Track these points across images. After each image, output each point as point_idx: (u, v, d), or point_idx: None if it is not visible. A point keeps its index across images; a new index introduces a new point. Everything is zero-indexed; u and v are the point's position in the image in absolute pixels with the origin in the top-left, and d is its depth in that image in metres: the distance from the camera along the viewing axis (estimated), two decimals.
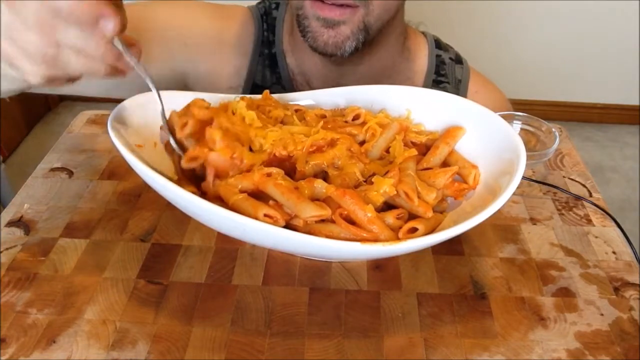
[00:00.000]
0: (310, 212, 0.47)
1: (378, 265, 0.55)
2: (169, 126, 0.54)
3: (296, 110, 0.60)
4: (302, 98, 0.63)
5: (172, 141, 0.53)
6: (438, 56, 0.82)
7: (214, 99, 0.62)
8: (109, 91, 0.70)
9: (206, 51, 0.76)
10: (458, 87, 0.82)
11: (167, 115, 0.55)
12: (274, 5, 0.80)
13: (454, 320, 0.50)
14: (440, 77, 0.81)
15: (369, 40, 0.68)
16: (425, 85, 0.81)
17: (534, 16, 2.00)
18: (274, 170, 0.50)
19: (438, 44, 0.83)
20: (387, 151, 0.57)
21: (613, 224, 0.61)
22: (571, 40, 2.04)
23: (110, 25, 0.42)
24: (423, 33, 0.84)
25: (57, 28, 0.41)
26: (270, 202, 0.49)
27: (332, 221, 0.49)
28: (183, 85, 0.77)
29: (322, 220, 0.48)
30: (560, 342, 0.48)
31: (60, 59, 0.43)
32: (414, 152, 0.55)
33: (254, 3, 0.82)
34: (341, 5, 0.64)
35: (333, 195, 0.49)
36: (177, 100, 0.61)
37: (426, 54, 0.82)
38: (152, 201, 0.62)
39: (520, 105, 0.80)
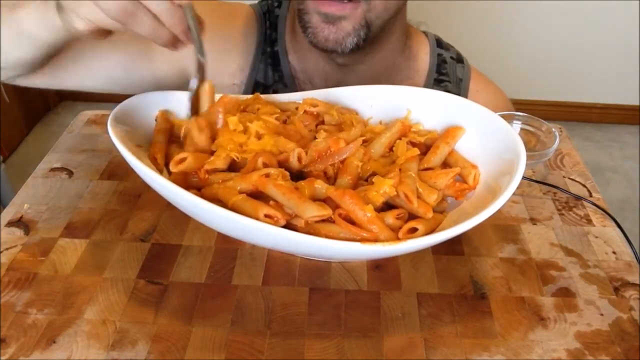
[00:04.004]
0: (312, 212, 0.47)
1: (378, 265, 0.55)
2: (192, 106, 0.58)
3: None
4: (303, 98, 0.63)
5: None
6: (439, 55, 0.82)
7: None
8: (115, 84, 0.71)
9: (210, 49, 0.76)
10: (459, 86, 0.82)
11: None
12: (276, 4, 0.80)
13: (454, 320, 0.50)
14: (442, 76, 0.82)
15: (371, 37, 0.68)
16: (426, 84, 0.81)
17: (534, 16, 2.00)
18: (272, 170, 0.50)
19: (439, 43, 0.83)
20: (391, 149, 0.57)
21: (613, 224, 0.61)
22: (571, 41, 2.04)
23: None
24: (424, 32, 0.85)
25: None
26: (271, 202, 0.49)
27: (332, 221, 0.49)
28: (186, 82, 0.77)
29: (322, 220, 0.48)
30: (560, 342, 0.48)
31: (134, 17, 0.46)
32: (416, 151, 0.55)
33: (256, 1, 0.82)
34: (342, 1, 0.64)
35: (333, 195, 0.49)
36: (179, 100, 0.61)
37: (427, 53, 0.82)
38: (152, 201, 0.62)
39: (520, 105, 0.80)
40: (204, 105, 0.58)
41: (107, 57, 0.68)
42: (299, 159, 0.53)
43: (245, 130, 0.55)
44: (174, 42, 0.50)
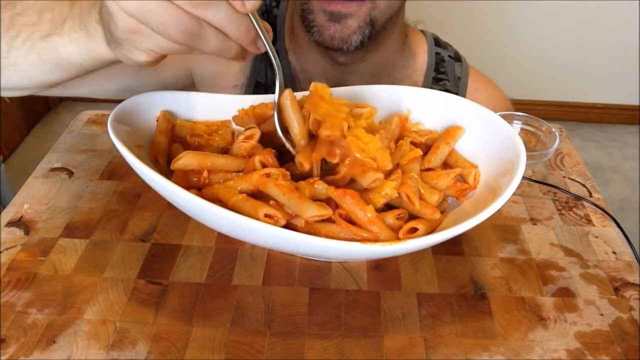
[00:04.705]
0: (312, 212, 0.47)
1: (378, 265, 0.55)
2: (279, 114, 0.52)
3: None
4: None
5: (277, 126, 0.52)
6: (437, 54, 0.82)
7: (222, 100, 0.62)
8: (125, 91, 0.70)
9: None
10: (458, 85, 0.82)
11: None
12: (274, 4, 0.80)
13: (454, 320, 0.50)
14: (440, 74, 0.82)
15: (374, 35, 0.68)
16: (425, 83, 0.81)
17: (534, 16, 2.00)
18: (273, 170, 0.50)
19: (437, 42, 0.84)
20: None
21: (613, 224, 0.61)
22: (571, 41, 2.05)
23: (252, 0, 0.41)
24: (422, 31, 0.85)
25: (206, 4, 0.40)
26: (271, 202, 0.49)
27: (332, 221, 0.49)
28: (191, 83, 0.78)
29: (323, 220, 0.48)
30: (560, 342, 0.48)
31: (199, 36, 0.42)
32: (419, 152, 0.55)
33: None
34: None
35: (333, 196, 0.49)
36: (179, 100, 0.61)
37: (426, 51, 0.82)
38: (152, 201, 0.62)
39: (520, 105, 0.80)
40: (290, 113, 0.52)
41: (120, 66, 0.68)
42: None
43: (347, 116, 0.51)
44: (243, 54, 0.46)
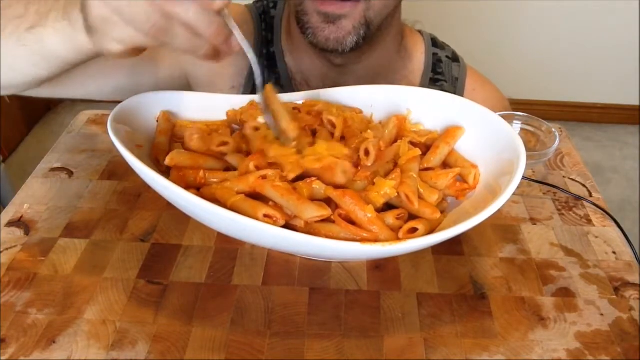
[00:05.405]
0: (312, 212, 0.47)
1: (378, 265, 0.55)
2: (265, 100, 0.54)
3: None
4: (301, 98, 0.63)
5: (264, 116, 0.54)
6: (435, 54, 0.82)
7: (222, 100, 0.62)
8: (120, 92, 0.70)
9: None
10: (455, 85, 0.82)
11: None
12: (271, 5, 0.80)
13: (454, 320, 0.50)
14: (437, 75, 0.81)
15: (370, 36, 0.68)
16: (422, 84, 0.81)
17: (534, 16, 2.00)
18: (269, 172, 0.50)
19: (434, 43, 0.83)
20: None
21: (613, 224, 0.61)
22: (571, 41, 2.04)
23: None
24: (419, 32, 0.84)
25: (174, 2, 0.41)
26: (270, 202, 0.49)
27: (332, 221, 0.49)
28: (186, 85, 0.77)
29: (322, 220, 0.49)
30: (560, 342, 0.48)
31: (169, 32, 0.42)
32: (417, 152, 0.55)
33: (251, 2, 0.82)
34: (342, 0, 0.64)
35: (333, 196, 0.49)
36: (179, 100, 0.62)
37: (423, 52, 0.82)
38: (152, 201, 0.62)
39: (520, 105, 0.80)
40: (276, 105, 0.54)
41: (114, 65, 0.68)
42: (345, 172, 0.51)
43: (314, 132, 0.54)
44: (216, 54, 0.45)
